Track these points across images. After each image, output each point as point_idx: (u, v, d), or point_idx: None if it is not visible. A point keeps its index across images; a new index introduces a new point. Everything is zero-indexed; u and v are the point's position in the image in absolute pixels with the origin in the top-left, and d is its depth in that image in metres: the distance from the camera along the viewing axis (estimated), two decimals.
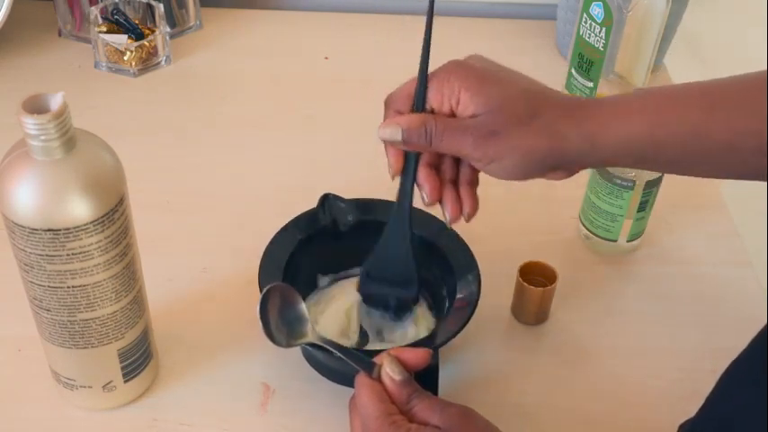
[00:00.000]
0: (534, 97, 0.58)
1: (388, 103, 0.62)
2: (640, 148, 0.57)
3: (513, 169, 0.58)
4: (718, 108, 0.56)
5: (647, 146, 0.57)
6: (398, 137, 0.59)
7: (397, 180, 0.63)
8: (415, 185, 0.62)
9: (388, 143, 0.60)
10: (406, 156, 0.61)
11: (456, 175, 0.63)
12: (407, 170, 0.62)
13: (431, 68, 0.60)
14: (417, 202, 0.63)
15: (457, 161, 0.63)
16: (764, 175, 0.57)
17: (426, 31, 0.59)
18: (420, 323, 0.69)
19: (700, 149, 0.57)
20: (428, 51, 0.60)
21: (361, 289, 0.69)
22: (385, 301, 0.68)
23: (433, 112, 0.60)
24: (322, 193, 0.71)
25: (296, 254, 0.69)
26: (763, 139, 0.54)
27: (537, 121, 0.57)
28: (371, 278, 0.67)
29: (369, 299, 0.69)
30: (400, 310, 0.68)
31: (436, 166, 0.62)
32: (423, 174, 0.62)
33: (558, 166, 0.59)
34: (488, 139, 0.57)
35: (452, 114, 0.59)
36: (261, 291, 0.61)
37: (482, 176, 0.62)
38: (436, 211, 0.72)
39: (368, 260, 0.67)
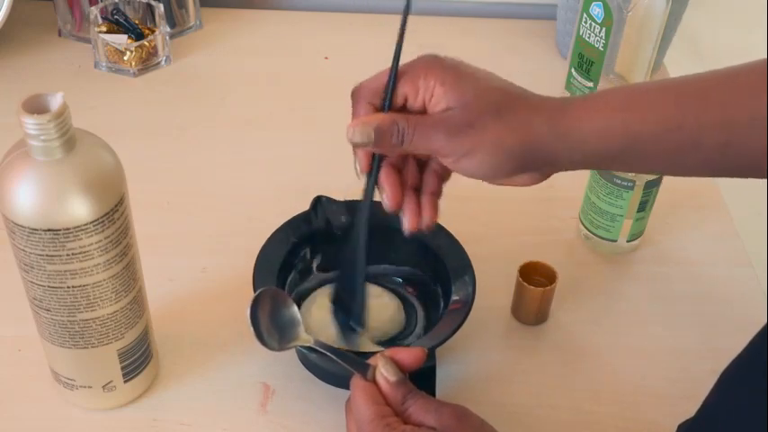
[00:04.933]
0: (508, 94, 0.58)
1: (356, 95, 0.59)
2: (615, 145, 0.56)
3: (485, 165, 0.57)
4: (687, 102, 0.55)
5: (622, 143, 0.56)
6: (369, 139, 0.57)
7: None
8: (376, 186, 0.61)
9: (358, 146, 0.58)
10: (372, 155, 0.60)
11: (418, 184, 0.61)
12: (372, 169, 0.60)
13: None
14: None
15: (421, 169, 0.61)
16: (734, 171, 0.57)
17: (400, 31, 0.58)
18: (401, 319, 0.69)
19: (671, 146, 0.56)
20: (400, 51, 0.58)
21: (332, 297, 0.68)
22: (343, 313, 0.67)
23: (405, 106, 0.58)
24: (314, 196, 0.71)
25: (289, 257, 0.69)
26: (729, 134, 0.54)
27: (510, 116, 0.56)
28: (338, 290, 0.67)
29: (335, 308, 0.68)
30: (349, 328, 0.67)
31: (399, 170, 0.61)
32: (385, 174, 0.60)
33: (530, 165, 0.58)
34: (460, 133, 0.56)
35: (424, 110, 0.58)
36: (254, 292, 0.61)
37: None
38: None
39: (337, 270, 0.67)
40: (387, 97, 0.58)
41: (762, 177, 0.56)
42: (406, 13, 0.57)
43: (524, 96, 0.58)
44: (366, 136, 0.57)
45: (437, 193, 0.62)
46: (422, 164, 0.61)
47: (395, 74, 0.58)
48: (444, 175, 0.62)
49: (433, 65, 0.58)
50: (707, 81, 0.55)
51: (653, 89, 0.58)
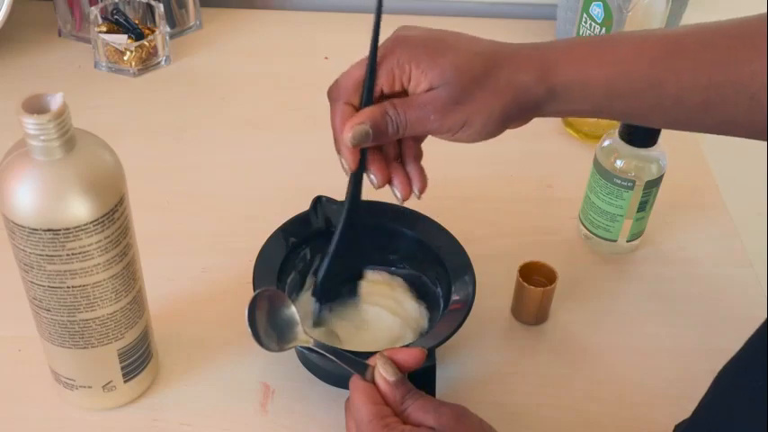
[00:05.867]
0: (488, 57, 0.58)
1: (334, 95, 0.60)
2: (598, 99, 0.57)
3: (481, 132, 0.58)
4: (670, 60, 0.56)
5: (606, 96, 0.57)
6: (368, 136, 0.57)
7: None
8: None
9: (357, 145, 0.58)
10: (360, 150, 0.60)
11: (399, 153, 0.62)
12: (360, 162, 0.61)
13: None
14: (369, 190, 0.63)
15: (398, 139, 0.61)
16: (715, 128, 0.58)
17: (375, 26, 0.57)
18: (411, 324, 0.69)
19: (652, 101, 0.57)
20: (376, 45, 0.58)
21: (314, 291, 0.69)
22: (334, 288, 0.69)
23: (383, 94, 0.58)
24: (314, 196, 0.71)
25: (289, 257, 0.69)
26: (708, 94, 0.55)
27: (494, 80, 0.57)
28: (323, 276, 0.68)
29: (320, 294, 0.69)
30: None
31: (379, 147, 0.61)
32: (368, 156, 0.60)
33: (521, 116, 0.59)
34: (451, 110, 0.57)
35: (404, 93, 0.58)
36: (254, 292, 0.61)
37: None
38: (433, 211, 0.72)
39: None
40: (364, 93, 0.58)
41: (750, 138, 0.56)
42: (379, 11, 0.57)
43: (504, 53, 0.58)
44: (364, 134, 0.58)
45: (419, 157, 0.62)
46: None
47: (373, 71, 0.58)
48: (420, 137, 0.62)
49: (402, 47, 0.58)
50: (690, 39, 0.56)
51: (638, 44, 0.58)
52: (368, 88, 0.58)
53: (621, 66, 0.57)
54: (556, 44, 0.60)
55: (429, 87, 0.57)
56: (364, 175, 0.62)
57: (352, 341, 0.68)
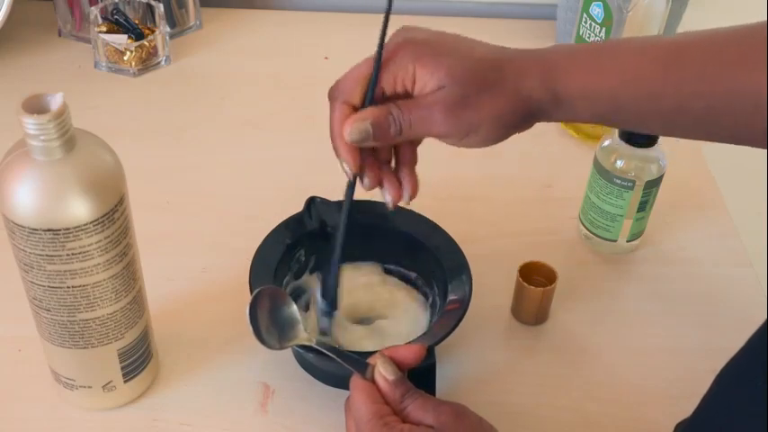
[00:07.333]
0: (494, 61, 0.57)
1: (334, 95, 0.59)
2: (601, 108, 0.57)
3: (489, 138, 0.58)
4: (670, 71, 0.55)
5: (609, 106, 0.57)
6: (368, 135, 0.57)
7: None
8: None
9: (357, 143, 0.57)
10: (359, 152, 0.59)
11: (391, 157, 0.61)
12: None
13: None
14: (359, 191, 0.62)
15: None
16: (718, 137, 0.57)
17: (383, 25, 0.57)
18: (414, 322, 0.69)
19: (656, 111, 0.57)
20: (383, 46, 0.57)
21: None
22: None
23: (384, 96, 0.58)
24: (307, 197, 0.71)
25: (284, 258, 0.69)
26: (709, 103, 0.54)
27: (502, 85, 0.56)
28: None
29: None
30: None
31: (372, 149, 0.60)
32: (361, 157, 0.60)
33: (526, 123, 0.59)
34: (458, 112, 0.56)
35: (405, 96, 0.57)
36: (251, 295, 0.61)
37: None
38: (433, 211, 0.72)
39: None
40: (370, 91, 0.57)
41: (758, 147, 0.56)
42: (388, 11, 0.57)
43: (508, 58, 0.58)
44: (364, 132, 0.57)
45: (413, 163, 0.62)
46: None
47: (378, 71, 0.57)
48: (416, 141, 0.61)
49: (406, 48, 0.57)
50: (689, 48, 0.56)
51: (638, 52, 0.58)
52: (372, 88, 0.57)
53: (623, 77, 0.56)
54: (558, 49, 0.60)
55: (437, 87, 0.56)
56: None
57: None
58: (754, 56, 0.53)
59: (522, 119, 0.58)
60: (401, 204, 0.61)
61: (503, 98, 0.56)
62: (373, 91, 0.57)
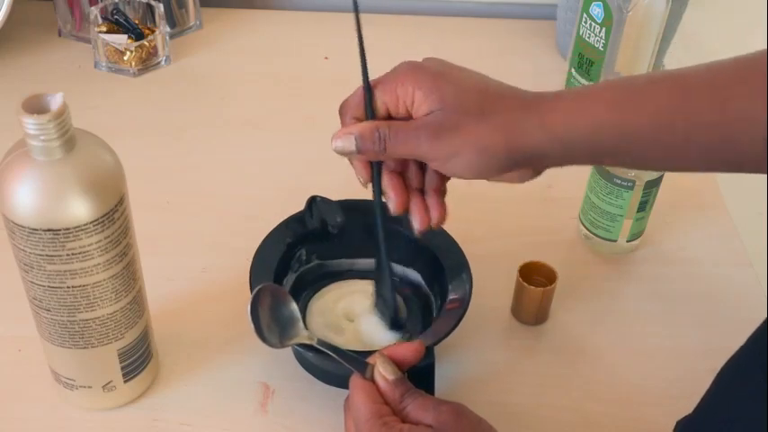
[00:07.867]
0: (489, 93, 0.57)
1: (342, 111, 0.61)
2: (606, 144, 0.56)
3: (472, 166, 0.57)
4: (677, 103, 0.55)
5: (613, 142, 0.56)
6: (352, 147, 0.58)
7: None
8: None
9: (341, 154, 0.59)
10: (371, 163, 0.61)
11: (422, 183, 0.62)
12: (373, 177, 0.61)
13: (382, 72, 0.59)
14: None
15: (422, 169, 0.61)
16: (730, 168, 0.56)
17: (359, 37, 0.58)
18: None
19: (663, 144, 0.56)
20: (364, 57, 0.59)
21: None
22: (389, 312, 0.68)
23: (389, 115, 0.59)
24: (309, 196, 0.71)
25: (285, 258, 0.70)
26: (719, 133, 0.54)
27: (492, 117, 0.56)
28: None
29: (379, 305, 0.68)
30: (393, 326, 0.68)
31: (401, 173, 0.61)
32: (387, 180, 0.61)
33: (519, 163, 0.57)
34: (441, 136, 0.56)
35: (408, 117, 0.58)
36: (251, 292, 0.61)
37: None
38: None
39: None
40: (366, 107, 0.59)
41: (761, 173, 0.56)
42: (358, 20, 0.58)
43: (509, 94, 0.58)
44: (348, 144, 0.58)
45: (440, 190, 0.62)
46: (422, 164, 0.61)
47: (368, 84, 0.59)
48: (445, 175, 0.62)
49: (411, 71, 0.58)
50: (696, 80, 0.55)
51: (644, 87, 0.57)
52: (367, 105, 0.59)
53: (629, 112, 0.55)
54: (559, 92, 0.59)
55: (428, 111, 0.57)
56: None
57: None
58: (759, 81, 0.53)
59: (513, 154, 0.57)
60: (430, 227, 0.62)
61: (489, 127, 0.56)
62: (370, 108, 0.59)
